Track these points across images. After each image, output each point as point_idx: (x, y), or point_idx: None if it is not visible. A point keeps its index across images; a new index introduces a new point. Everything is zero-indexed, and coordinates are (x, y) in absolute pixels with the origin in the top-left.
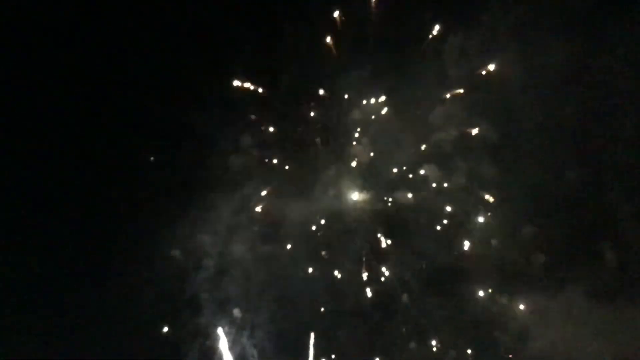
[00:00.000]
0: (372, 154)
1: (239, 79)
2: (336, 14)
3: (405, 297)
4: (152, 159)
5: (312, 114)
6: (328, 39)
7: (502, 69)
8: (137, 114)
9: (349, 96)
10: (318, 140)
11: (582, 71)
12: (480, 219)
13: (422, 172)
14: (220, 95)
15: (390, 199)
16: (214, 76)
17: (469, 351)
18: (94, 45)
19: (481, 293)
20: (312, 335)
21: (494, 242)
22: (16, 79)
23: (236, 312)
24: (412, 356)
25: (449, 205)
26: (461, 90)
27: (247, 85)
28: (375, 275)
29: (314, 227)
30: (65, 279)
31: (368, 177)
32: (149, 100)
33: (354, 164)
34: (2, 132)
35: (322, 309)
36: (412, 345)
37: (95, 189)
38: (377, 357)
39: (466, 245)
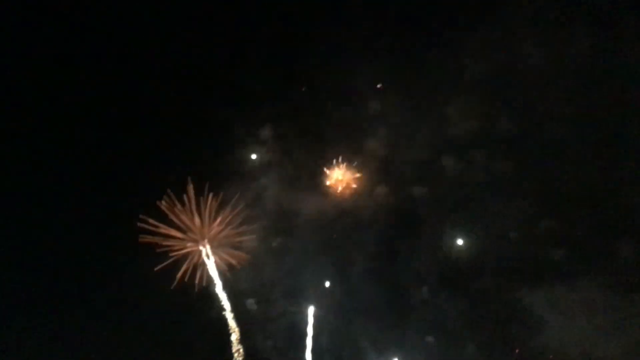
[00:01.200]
0: (388, 148)
1: (257, 72)
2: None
3: (421, 292)
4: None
5: (329, 107)
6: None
7: (522, 61)
8: (156, 106)
9: (366, 89)
10: (335, 133)
11: (602, 64)
12: (498, 213)
13: (439, 165)
14: (240, 88)
15: (407, 193)
16: (233, 69)
17: (485, 345)
18: (114, 37)
19: (498, 287)
20: (325, 329)
21: (512, 235)
22: (39, 68)
23: (249, 304)
24: (429, 351)
25: (466, 199)
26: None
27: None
28: (390, 269)
29: (328, 221)
30: (82, 271)
31: (385, 171)
32: (167, 92)
33: (370, 157)
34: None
35: (336, 303)
36: (429, 339)
37: (112, 181)
38: (393, 351)
39: (483, 238)
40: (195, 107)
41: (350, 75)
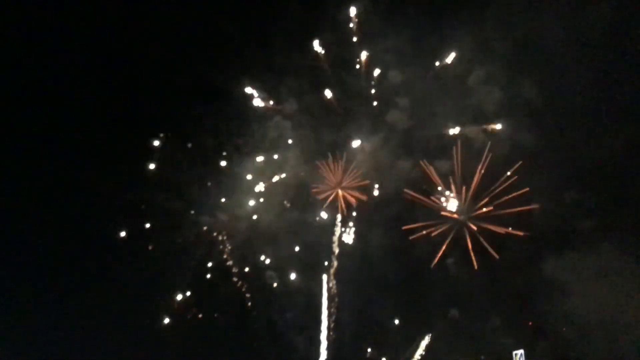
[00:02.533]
0: (411, 120)
1: (281, 45)
2: None
3: (440, 265)
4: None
5: (351, 81)
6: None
7: (543, 31)
8: (177, 79)
9: (388, 62)
10: (357, 106)
11: (627, 34)
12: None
13: (462, 137)
14: (263, 62)
15: (428, 165)
16: (258, 42)
17: (507, 318)
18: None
19: (521, 259)
20: (346, 306)
21: (534, 207)
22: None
23: (266, 279)
24: (450, 324)
25: (489, 170)
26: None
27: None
28: (410, 243)
29: (347, 195)
30: (101, 245)
31: (406, 143)
32: (191, 64)
33: (392, 130)
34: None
35: (354, 277)
36: (452, 313)
37: (128, 153)
38: (414, 325)
39: (505, 210)
40: (213, 80)
41: (372, 47)
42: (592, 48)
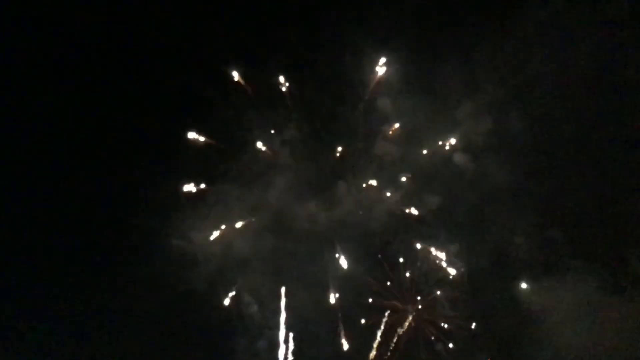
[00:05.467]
0: (398, 153)
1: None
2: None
3: (426, 300)
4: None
5: (339, 112)
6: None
7: (532, 69)
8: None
9: (375, 95)
10: (345, 137)
11: (617, 76)
12: (505, 221)
13: (449, 170)
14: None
15: (414, 199)
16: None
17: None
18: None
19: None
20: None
21: (519, 242)
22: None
23: (242, 306)
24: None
25: (475, 206)
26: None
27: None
28: (395, 276)
29: (331, 225)
30: (70, 272)
31: (393, 175)
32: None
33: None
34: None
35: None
36: (438, 347)
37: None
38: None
39: (489, 245)
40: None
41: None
42: (580, 90)
